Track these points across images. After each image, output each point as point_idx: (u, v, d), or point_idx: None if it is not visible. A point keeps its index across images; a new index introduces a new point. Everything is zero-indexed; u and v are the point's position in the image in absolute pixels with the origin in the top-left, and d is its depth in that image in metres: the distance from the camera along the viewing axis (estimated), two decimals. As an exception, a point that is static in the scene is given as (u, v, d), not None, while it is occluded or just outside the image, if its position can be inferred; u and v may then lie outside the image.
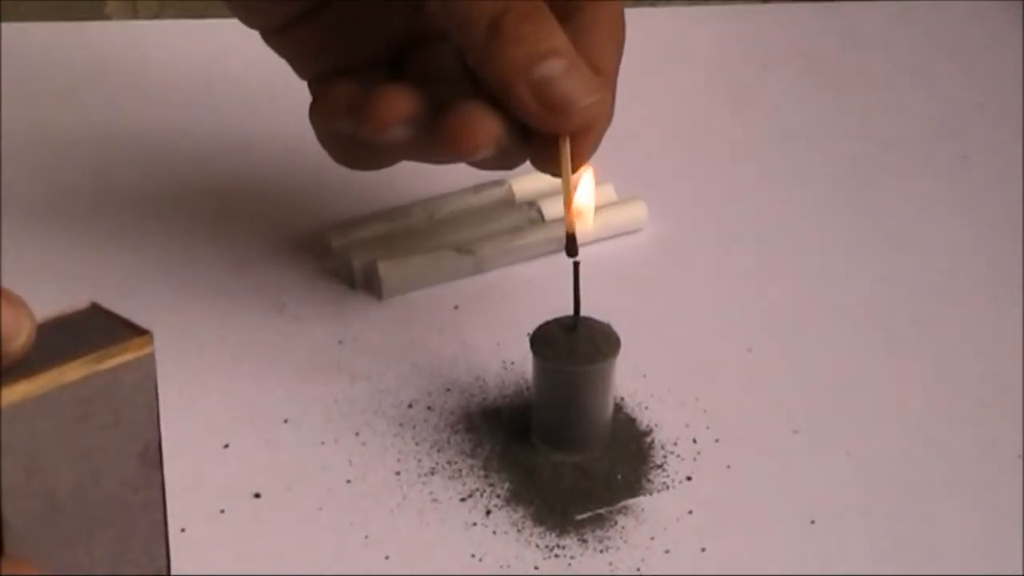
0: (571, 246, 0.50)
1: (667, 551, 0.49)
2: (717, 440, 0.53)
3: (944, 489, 0.51)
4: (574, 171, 0.50)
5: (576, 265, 0.50)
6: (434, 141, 0.49)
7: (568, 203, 0.50)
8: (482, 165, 0.52)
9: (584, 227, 0.51)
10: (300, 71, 0.55)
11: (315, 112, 0.53)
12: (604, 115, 0.50)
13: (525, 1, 0.48)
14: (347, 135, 0.52)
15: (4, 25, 0.73)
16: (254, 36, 0.55)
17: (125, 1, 0.78)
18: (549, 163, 0.50)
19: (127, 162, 0.66)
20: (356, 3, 0.53)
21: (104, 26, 0.76)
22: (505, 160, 0.51)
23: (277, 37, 0.55)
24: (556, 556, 0.48)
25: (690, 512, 0.50)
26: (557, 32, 0.49)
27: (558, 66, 0.48)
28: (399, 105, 0.50)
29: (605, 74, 0.50)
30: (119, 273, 0.59)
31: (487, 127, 0.49)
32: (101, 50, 0.73)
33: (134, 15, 0.78)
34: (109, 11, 0.78)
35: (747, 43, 0.77)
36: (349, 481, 0.51)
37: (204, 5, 0.75)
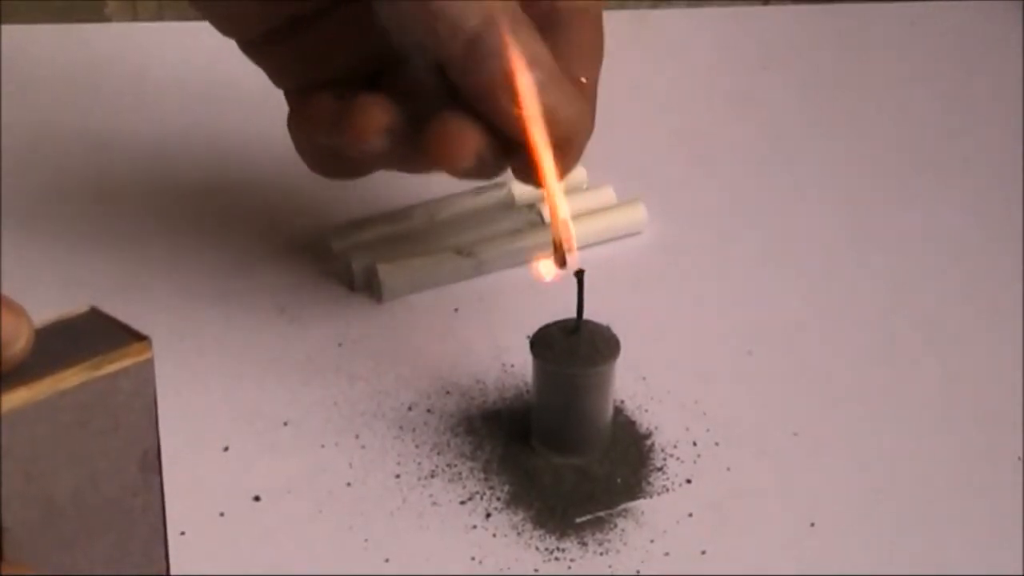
0: (559, 257, 0.50)
1: (667, 554, 0.49)
2: (717, 443, 0.53)
3: (944, 491, 0.51)
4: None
5: (581, 273, 0.50)
6: (416, 153, 0.50)
7: (554, 214, 0.50)
8: (461, 175, 0.52)
9: (568, 238, 0.51)
10: (276, 82, 0.55)
11: (294, 123, 0.54)
12: (585, 126, 0.50)
13: (507, 13, 0.49)
14: (326, 145, 0.52)
15: (5, 27, 0.73)
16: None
17: (125, 2, 0.78)
18: (530, 175, 0.50)
19: (127, 164, 0.66)
20: (333, 17, 0.53)
21: (104, 28, 0.76)
22: (484, 171, 0.51)
23: (253, 49, 0.55)
24: (556, 559, 0.48)
25: (690, 515, 0.50)
26: (538, 43, 0.49)
27: (539, 77, 0.48)
28: (378, 116, 0.50)
29: (586, 85, 0.51)
30: (119, 275, 0.59)
31: (469, 139, 0.49)
32: (101, 52, 0.73)
33: (134, 17, 0.78)
34: (109, 12, 0.78)
35: (747, 44, 0.77)
36: (349, 484, 0.51)
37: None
